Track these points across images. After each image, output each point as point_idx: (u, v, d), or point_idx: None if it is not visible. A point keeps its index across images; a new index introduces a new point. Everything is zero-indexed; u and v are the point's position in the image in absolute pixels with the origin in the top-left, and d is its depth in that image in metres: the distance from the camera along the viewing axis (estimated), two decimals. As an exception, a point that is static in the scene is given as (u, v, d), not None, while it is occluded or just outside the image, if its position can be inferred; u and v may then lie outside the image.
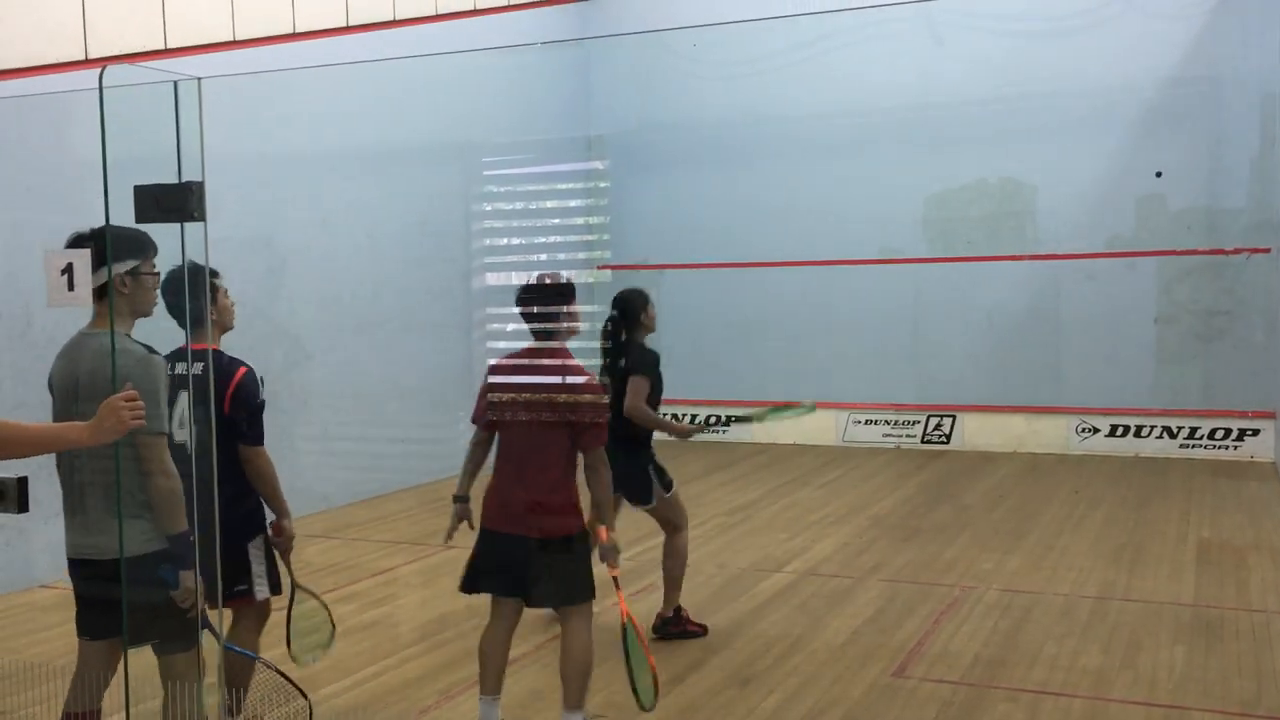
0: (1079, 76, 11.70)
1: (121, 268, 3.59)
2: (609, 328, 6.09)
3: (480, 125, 11.52)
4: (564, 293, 4.65)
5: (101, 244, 3.47)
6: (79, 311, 7.10)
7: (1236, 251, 11.39)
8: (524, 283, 4.78)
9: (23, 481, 3.24)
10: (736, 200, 13.08)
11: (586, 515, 4.54)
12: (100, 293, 3.57)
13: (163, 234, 3.44)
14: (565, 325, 4.63)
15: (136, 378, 3.45)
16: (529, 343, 4.67)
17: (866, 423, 12.75)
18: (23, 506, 3.22)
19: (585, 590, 4.48)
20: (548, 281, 4.70)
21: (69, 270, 3.13)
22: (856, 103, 12.40)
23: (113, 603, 3.62)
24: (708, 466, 11.55)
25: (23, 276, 6.96)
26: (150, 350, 3.63)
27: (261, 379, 4.35)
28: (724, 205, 13.13)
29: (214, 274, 4.19)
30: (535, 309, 4.65)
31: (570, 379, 4.53)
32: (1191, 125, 11.56)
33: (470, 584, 4.58)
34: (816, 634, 6.06)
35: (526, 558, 4.43)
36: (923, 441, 12.52)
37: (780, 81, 12.74)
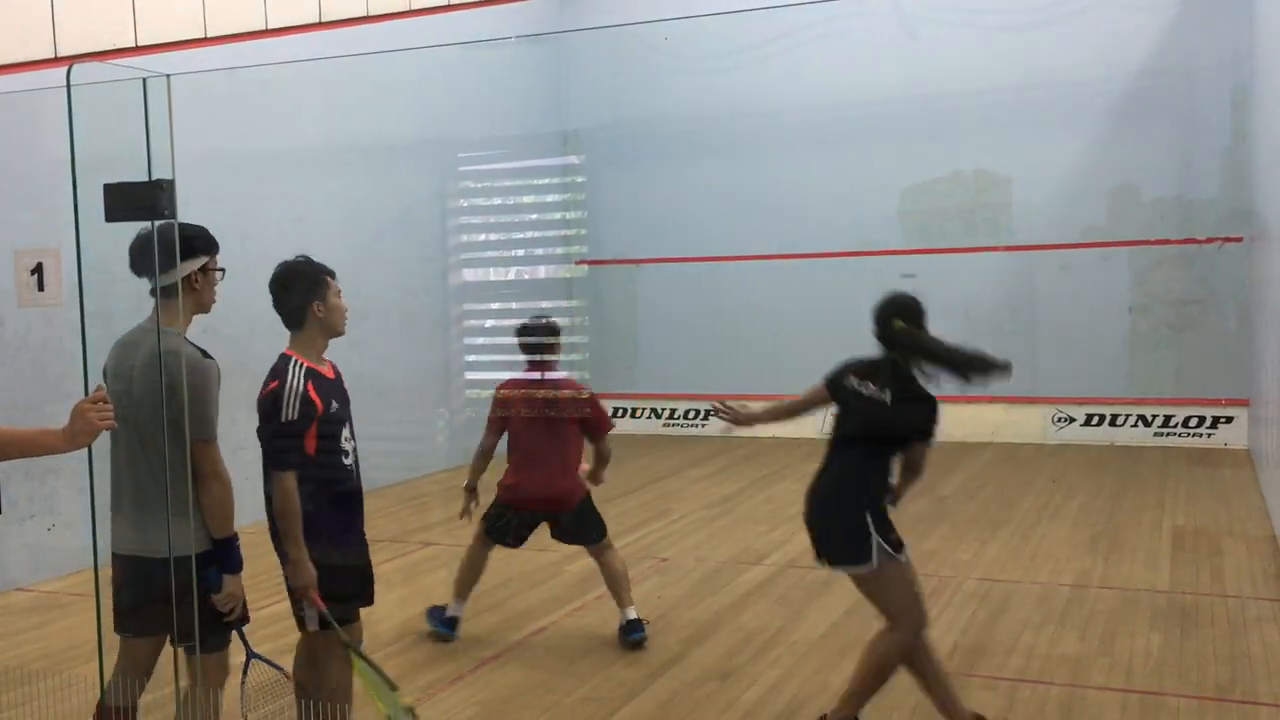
0: (1052, 68, 11.78)
1: (195, 264, 3.58)
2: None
3: (455, 121, 11.49)
4: (557, 330, 5.92)
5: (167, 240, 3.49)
6: (52, 311, 7.04)
7: (1209, 241, 11.49)
8: (523, 324, 5.96)
9: (-6, 484, 3.21)
10: (713, 194, 13.09)
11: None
12: (166, 293, 3.55)
13: (133, 233, 3.42)
14: (558, 356, 5.92)
15: (187, 381, 3.47)
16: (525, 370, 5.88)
17: (845, 415, 12.76)
18: (-5, 509, 3.19)
19: (601, 529, 5.87)
20: (544, 322, 5.93)
21: (39, 270, 3.09)
22: (832, 96, 12.43)
23: (156, 600, 3.59)
24: (687, 460, 11.57)
25: (-7, 277, 6.89)
26: (205, 354, 3.62)
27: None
28: (700, 199, 13.15)
29: (325, 269, 4.02)
30: (534, 340, 5.88)
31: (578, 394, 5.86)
32: (1163, 116, 11.65)
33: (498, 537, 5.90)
34: (796, 626, 6.08)
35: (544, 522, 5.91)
36: (901, 433, 12.55)
37: (755, 75, 12.77)
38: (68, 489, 7.23)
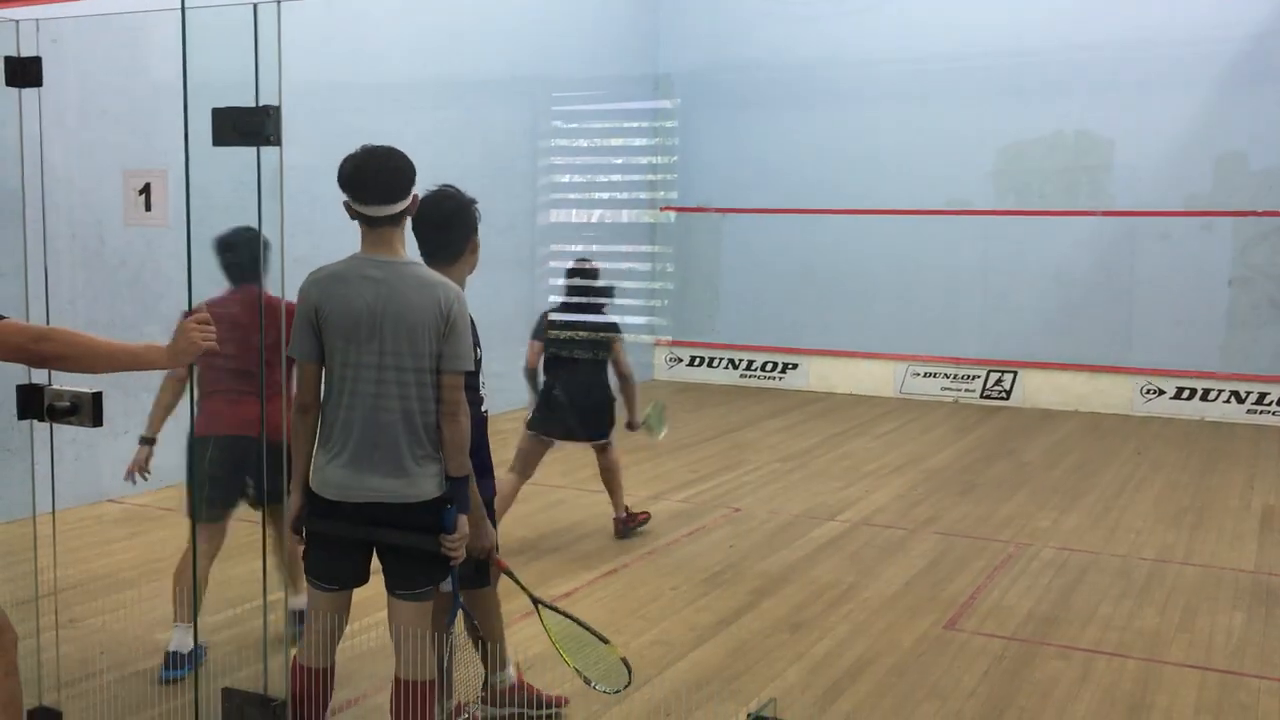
0: (1163, 27, 11.34)
1: (414, 191, 3.41)
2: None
3: (549, 59, 11.43)
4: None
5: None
6: (152, 233, 7.19)
7: (1319, 214, 11.06)
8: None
9: (97, 396, 3.30)
10: (805, 145, 12.90)
11: None
12: (396, 220, 3.38)
13: (238, 158, 3.45)
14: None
15: (459, 312, 3.37)
16: None
17: (925, 375, 12.63)
18: (97, 420, 3.28)
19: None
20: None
21: (146, 190, 3.15)
22: (932, 49, 12.13)
23: (377, 549, 3.44)
24: (763, 412, 11.53)
25: (96, 197, 7.06)
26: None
27: None
28: (792, 150, 12.96)
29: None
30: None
31: None
32: (1278, 81, 11.17)
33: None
34: (868, 583, 6.06)
35: None
36: (982, 396, 12.39)
37: (857, 24, 12.48)
38: (161, 407, 7.43)
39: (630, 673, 3.70)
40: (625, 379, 6.75)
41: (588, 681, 3.75)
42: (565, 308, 6.74)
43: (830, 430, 10.57)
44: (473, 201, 3.81)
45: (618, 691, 3.76)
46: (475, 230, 3.83)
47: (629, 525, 6.85)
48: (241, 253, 4.45)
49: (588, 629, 3.78)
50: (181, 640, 4.58)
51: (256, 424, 4.29)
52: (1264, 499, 8.20)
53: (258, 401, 4.36)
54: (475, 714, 4.16)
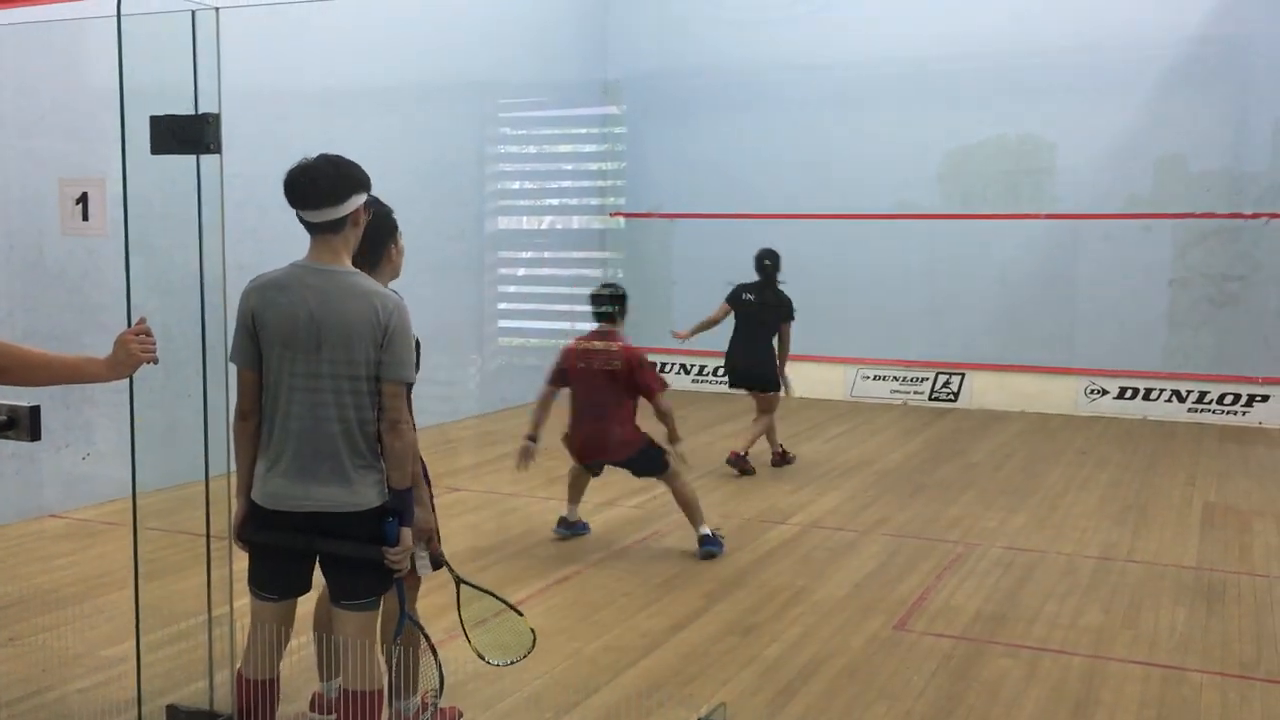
0: (1104, 32, 11.54)
1: (361, 200, 3.36)
2: (767, 267, 9.46)
3: (496, 65, 11.41)
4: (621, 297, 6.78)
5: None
6: (93, 243, 7.09)
7: (1255, 216, 11.30)
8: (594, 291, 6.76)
9: (35, 410, 3.24)
10: (754, 150, 12.97)
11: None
12: (334, 227, 3.33)
13: (178, 165, 3.41)
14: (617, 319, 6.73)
15: (398, 322, 3.32)
16: (593, 325, 6.67)
17: (875, 378, 12.74)
18: (35, 435, 3.22)
19: (664, 464, 6.62)
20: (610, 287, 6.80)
21: (83, 200, 3.09)
22: (879, 53, 12.25)
23: (320, 559, 3.44)
24: (714, 417, 11.56)
25: (34, 207, 6.95)
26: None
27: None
28: (741, 154, 13.02)
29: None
30: (605, 309, 6.68)
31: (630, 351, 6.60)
32: (1216, 85, 11.41)
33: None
34: (819, 585, 6.10)
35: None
36: (930, 398, 12.52)
37: (804, 29, 12.57)
38: (104, 419, 7.32)
39: (534, 641, 3.93)
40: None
41: (482, 657, 3.88)
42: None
43: (781, 434, 10.58)
44: (389, 210, 3.78)
45: (514, 662, 3.91)
46: (393, 236, 3.80)
47: (783, 459, 9.26)
48: (603, 302, 6.61)
49: (502, 600, 3.97)
50: (572, 511, 6.86)
51: (609, 449, 6.58)
52: (1205, 496, 8.35)
53: (611, 425, 6.49)
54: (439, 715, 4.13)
